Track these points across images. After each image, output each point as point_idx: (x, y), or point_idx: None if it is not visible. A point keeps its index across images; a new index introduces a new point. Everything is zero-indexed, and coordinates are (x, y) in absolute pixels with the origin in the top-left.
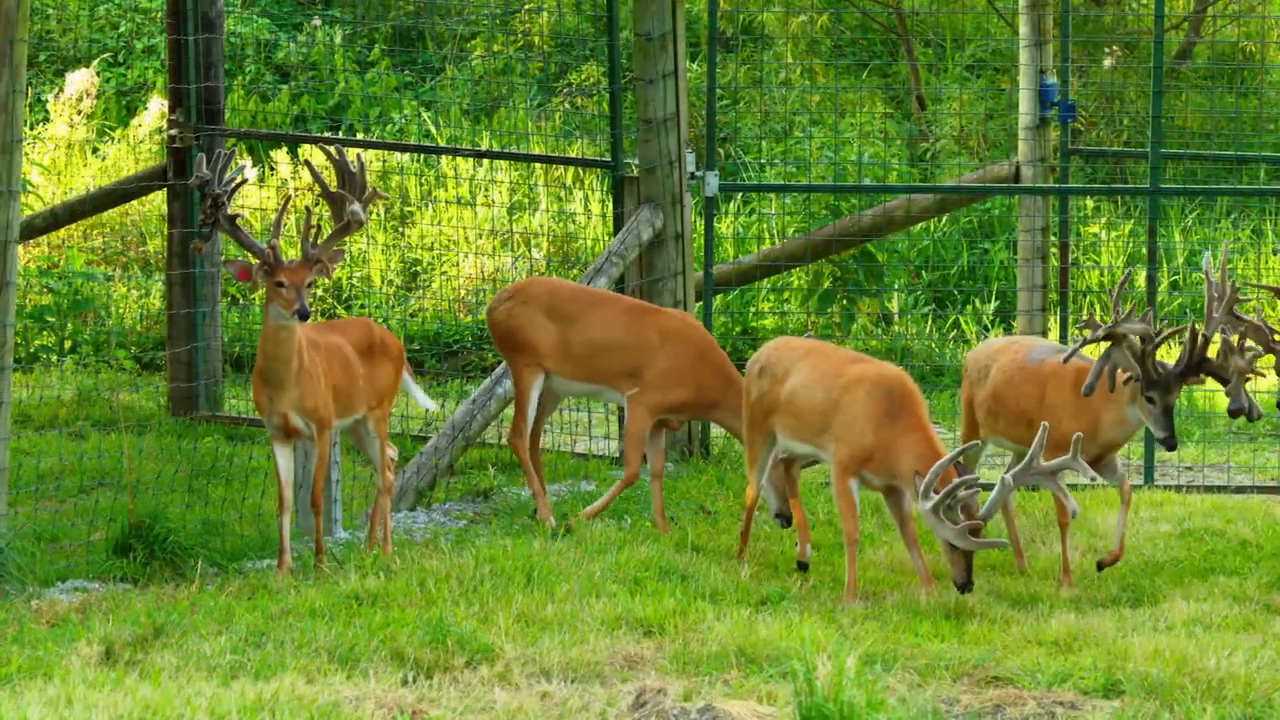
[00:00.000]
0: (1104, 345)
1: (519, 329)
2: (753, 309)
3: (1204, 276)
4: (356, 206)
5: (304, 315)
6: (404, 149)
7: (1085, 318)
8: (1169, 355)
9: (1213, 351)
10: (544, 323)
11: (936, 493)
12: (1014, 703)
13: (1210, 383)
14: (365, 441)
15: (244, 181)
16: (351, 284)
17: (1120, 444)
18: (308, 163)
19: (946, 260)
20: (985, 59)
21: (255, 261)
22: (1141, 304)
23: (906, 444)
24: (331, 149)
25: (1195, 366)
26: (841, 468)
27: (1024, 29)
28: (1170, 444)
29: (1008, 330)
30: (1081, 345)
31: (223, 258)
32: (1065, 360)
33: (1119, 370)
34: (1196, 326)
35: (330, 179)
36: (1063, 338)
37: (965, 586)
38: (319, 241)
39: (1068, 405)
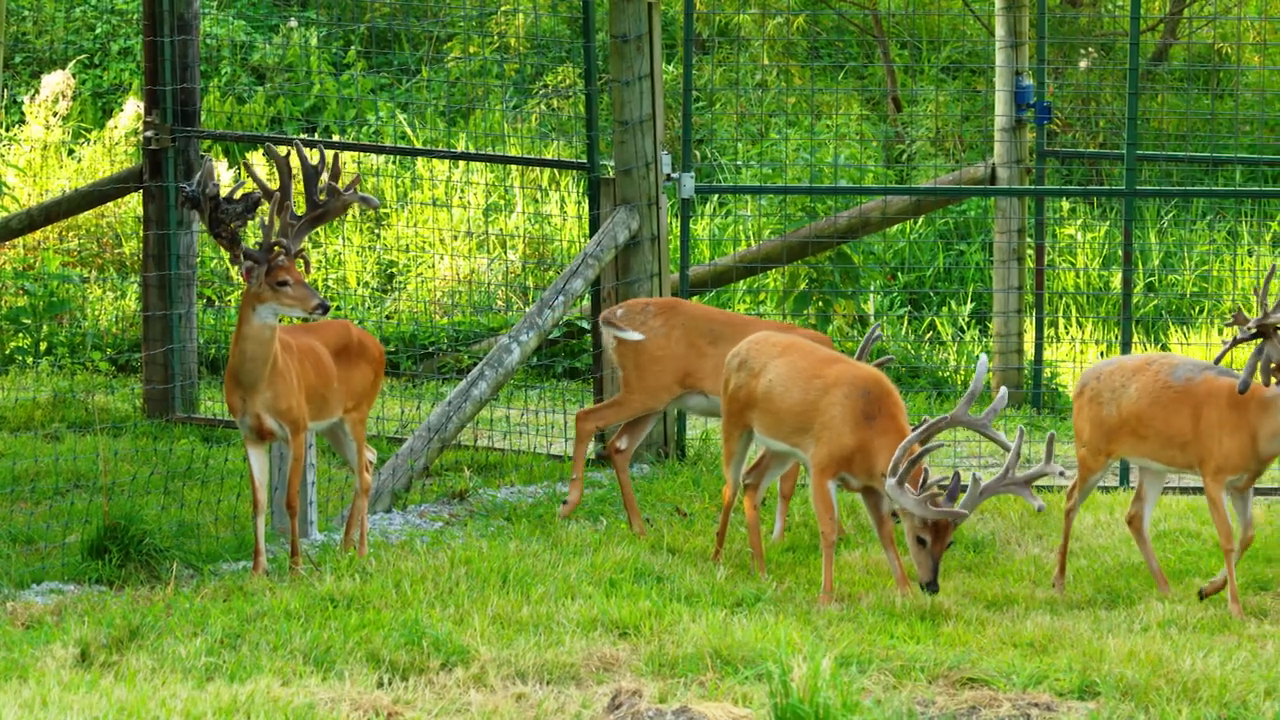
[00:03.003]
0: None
1: (676, 354)
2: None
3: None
4: (366, 195)
5: (325, 308)
6: (380, 151)
7: (1234, 312)
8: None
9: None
10: (705, 346)
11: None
12: (989, 704)
13: None
14: (342, 443)
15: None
16: (328, 285)
17: (1276, 456)
18: (245, 164)
19: (922, 262)
20: (961, 61)
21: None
22: None
23: (884, 445)
24: (283, 150)
25: None
26: (820, 469)
27: (1000, 30)
28: None
29: (984, 333)
30: (1233, 345)
31: (198, 259)
32: (1217, 361)
33: (1273, 364)
34: None
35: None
36: (1039, 339)
37: (930, 586)
38: (286, 235)
39: (1225, 423)
